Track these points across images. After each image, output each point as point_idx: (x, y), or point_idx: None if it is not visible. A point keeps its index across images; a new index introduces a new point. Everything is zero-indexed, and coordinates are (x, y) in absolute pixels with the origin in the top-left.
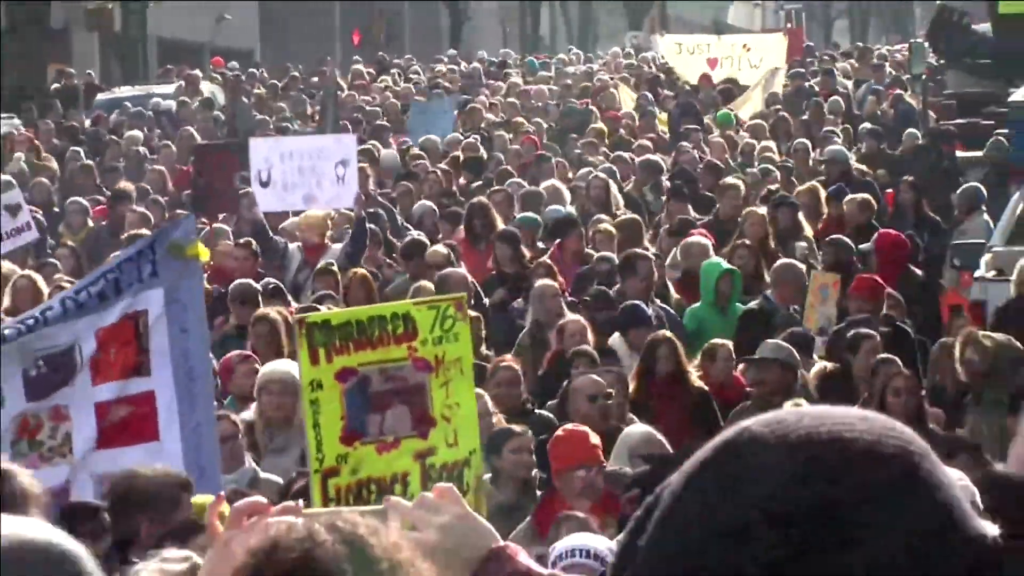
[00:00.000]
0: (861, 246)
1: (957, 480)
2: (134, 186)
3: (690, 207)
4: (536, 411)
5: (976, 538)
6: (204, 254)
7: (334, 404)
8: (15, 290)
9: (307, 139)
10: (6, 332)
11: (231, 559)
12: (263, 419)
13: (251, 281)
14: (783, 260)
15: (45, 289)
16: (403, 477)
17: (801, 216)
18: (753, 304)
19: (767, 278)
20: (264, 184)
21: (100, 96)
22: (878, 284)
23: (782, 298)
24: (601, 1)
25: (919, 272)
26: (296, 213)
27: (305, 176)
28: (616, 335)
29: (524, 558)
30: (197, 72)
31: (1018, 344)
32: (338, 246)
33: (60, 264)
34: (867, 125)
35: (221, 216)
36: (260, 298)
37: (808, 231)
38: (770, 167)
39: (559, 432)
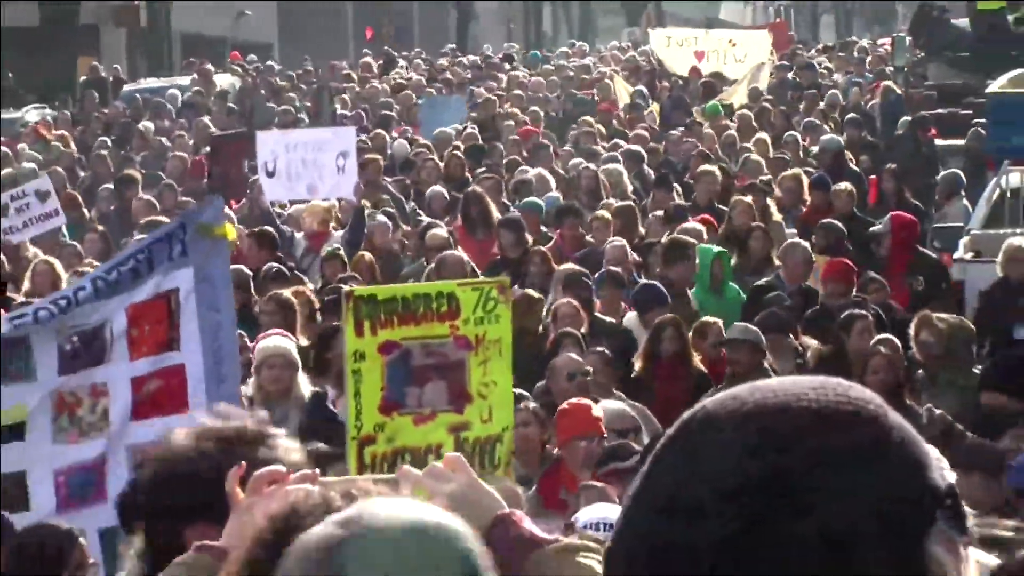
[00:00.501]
0: (873, 228)
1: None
2: (141, 173)
3: (675, 195)
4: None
5: (940, 489)
6: (231, 234)
7: (375, 375)
8: (34, 273)
9: (309, 132)
10: (40, 313)
11: (252, 524)
12: (262, 393)
13: (243, 267)
14: (791, 240)
15: (63, 274)
16: (437, 448)
17: (770, 201)
18: (762, 281)
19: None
20: (270, 175)
21: (126, 88)
22: (849, 267)
23: (791, 277)
24: (600, 1)
25: (931, 253)
26: (300, 202)
27: (308, 167)
28: (632, 314)
29: (528, 524)
30: (210, 66)
31: (971, 326)
32: (339, 233)
33: (87, 247)
34: (852, 115)
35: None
36: (252, 283)
37: (777, 216)
38: (755, 157)
39: (564, 405)
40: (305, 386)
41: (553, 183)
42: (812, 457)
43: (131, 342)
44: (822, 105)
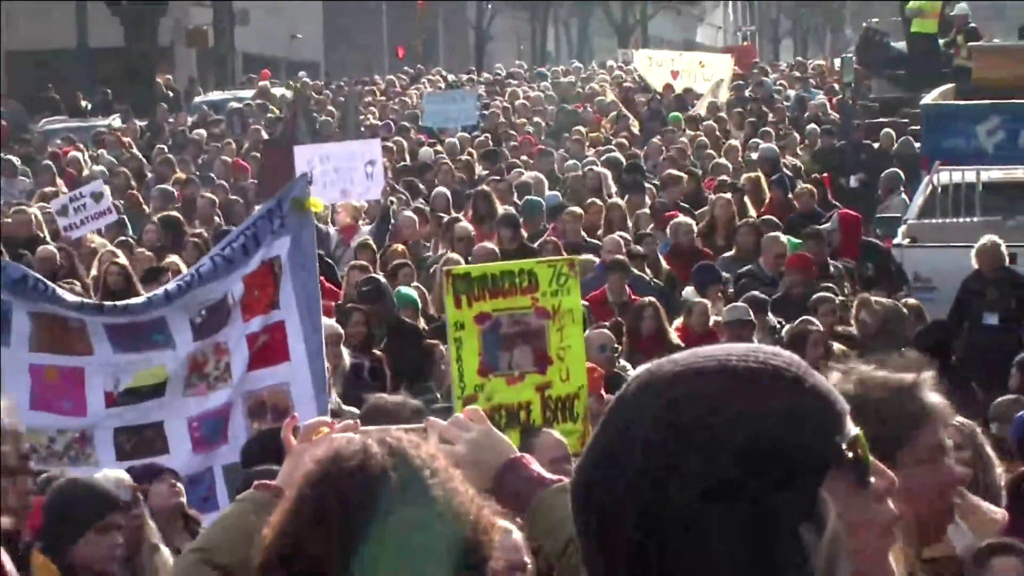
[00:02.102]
0: (823, 225)
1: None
2: (198, 174)
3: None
4: None
5: (842, 441)
6: (317, 206)
7: (473, 342)
8: (100, 262)
9: (341, 144)
10: (170, 290)
11: (302, 466)
12: None
13: None
14: (768, 235)
15: (124, 260)
16: (527, 405)
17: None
18: (744, 269)
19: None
20: (308, 182)
21: (195, 99)
22: (807, 258)
23: (769, 266)
24: (594, 23)
25: (877, 242)
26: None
27: (340, 175)
28: (689, 288)
29: (536, 467)
30: (267, 83)
31: (904, 310)
32: (367, 227)
33: (145, 238)
34: (826, 125)
35: None
36: None
37: (752, 211)
38: (722, 161)
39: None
40: (347, 357)
41: (546, 184)
42: (720, 411)
43: (244, 306)
44: (772, 117)
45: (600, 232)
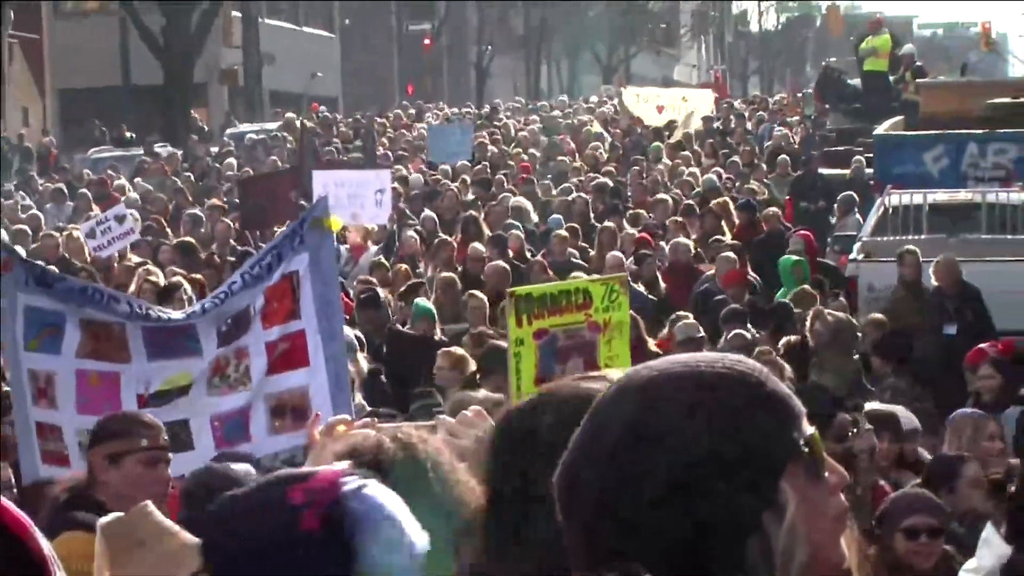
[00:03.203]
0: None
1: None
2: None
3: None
4: None
5: (799, 439)
6: (336, 225)
7: (530, 356)
8: (138, 278)
9: (354, 172)
10: (206, 305)
11: (325, 459)
12: None
13: None
14: (722, 255)
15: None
16: None
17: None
18: (703, 287)
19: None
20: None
21: (229, 131)
22: (742, 274)
23: (723, 283)
24: (582, 62)
25: (830, 261)
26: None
27: (352, 200)
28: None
29: None
30: (292, 115)
31: (854, 321)
32: (375, 248)
33: (163, 256)
34: (784, 157)
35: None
36: None
37: (727, 234)
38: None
39: None
40: (364, 363)
41: (532, 208)
42: (690, 414)
43: (264, 315)
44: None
45: (593, 252)
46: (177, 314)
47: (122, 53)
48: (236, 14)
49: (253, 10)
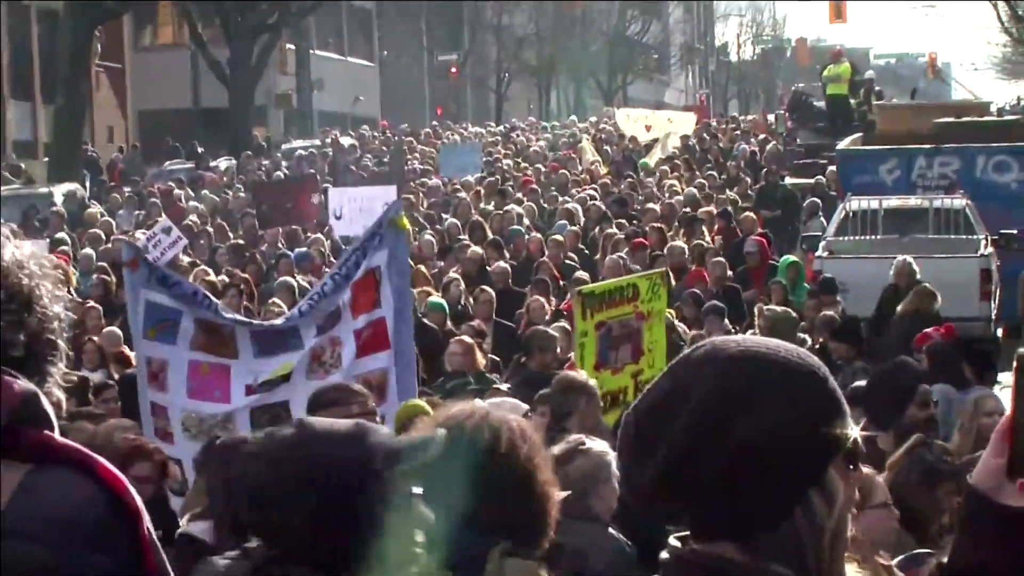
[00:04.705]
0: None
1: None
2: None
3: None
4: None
5: (845, 436)
6: (407, 225)
7: (591, 345)
8: (195, 278)
9: (365, 188)
10: (303, 307)
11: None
12: None
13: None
14: (713, 259)
15: (213, 276)
16: (624, 390)
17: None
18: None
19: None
20: (338, 218)
21: (284, 146)
22: (702, 274)
23: (712, 283)
24: (586, 87)
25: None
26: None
27: (363, 213)
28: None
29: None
30: (336, 133)
31: (794, 315)
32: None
33: (222, 257)
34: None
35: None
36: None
37: (709, 239)
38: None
39: None
40: None
41: (523, 215)
42: (767, 393)
43: (352, 306)
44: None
45: (598, 256)
46: (278, 321)
47: (193, 80)
48: (290, 46)
49: (305, 43)
